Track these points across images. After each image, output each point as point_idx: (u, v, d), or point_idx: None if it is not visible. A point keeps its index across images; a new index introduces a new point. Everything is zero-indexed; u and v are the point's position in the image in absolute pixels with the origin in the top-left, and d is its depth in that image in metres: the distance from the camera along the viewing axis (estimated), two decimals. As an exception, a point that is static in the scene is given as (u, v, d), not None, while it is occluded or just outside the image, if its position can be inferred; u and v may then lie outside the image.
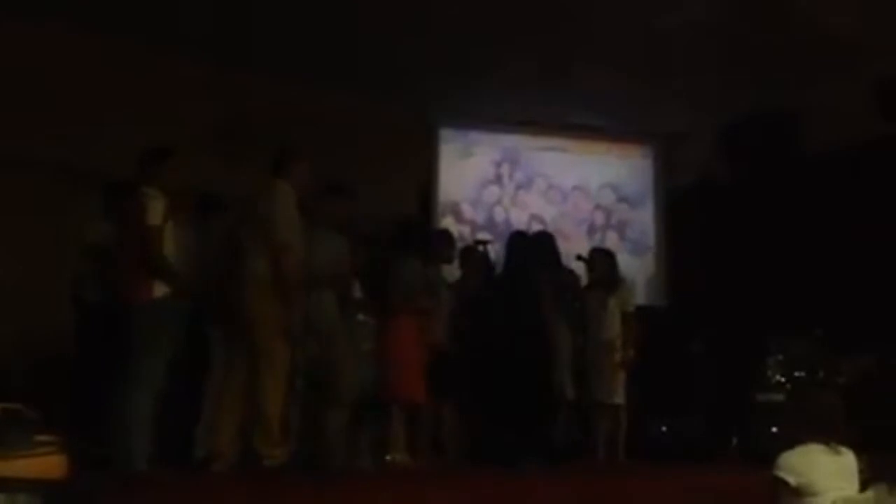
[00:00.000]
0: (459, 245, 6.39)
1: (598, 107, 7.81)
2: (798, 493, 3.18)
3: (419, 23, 6.52)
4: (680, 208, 8.42)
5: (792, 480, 3.18)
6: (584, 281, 6.45)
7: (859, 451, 3.32)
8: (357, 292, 5.31)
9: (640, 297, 6.97)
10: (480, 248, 6.35)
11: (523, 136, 8.49)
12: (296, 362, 4.66)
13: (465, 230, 7.88)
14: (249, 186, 4.87)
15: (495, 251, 6.38)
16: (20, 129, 6.04)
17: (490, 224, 8.14)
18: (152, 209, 4.26)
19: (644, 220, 8.61)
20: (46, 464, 3.52)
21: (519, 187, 8.42)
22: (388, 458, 5.00)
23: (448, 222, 7.88)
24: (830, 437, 3.28)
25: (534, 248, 5.79)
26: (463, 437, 5.81)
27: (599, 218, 8.50)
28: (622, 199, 8.61)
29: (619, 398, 5.97)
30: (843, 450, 3.29)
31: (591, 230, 8.39)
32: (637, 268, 8.14)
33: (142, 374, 4.17)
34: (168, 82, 6.86)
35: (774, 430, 5.80)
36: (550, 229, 7.00)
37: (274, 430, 4.44)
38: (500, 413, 5.44)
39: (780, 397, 6.19)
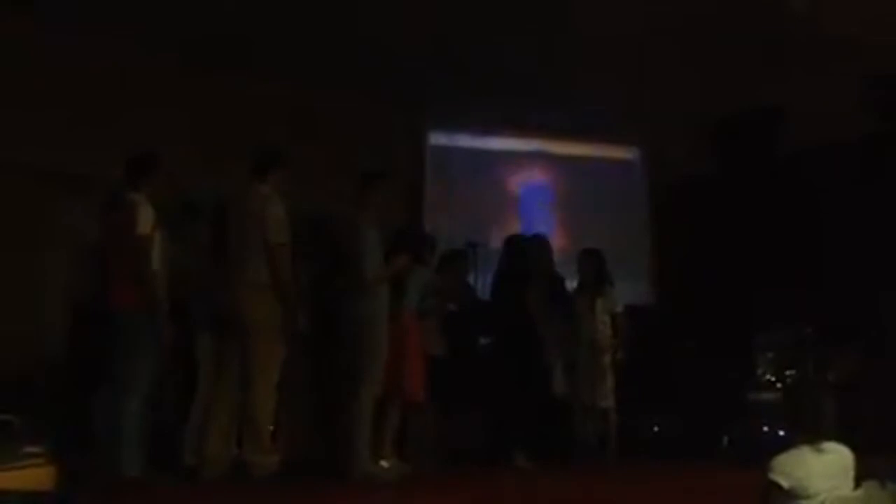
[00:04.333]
0: (447, 248, 6.41)
1: (584, 108, 7.80)
2: (792, 495, 3.16)
3: (407, 25, 6.51)
4: (667, 207, 8.44)
5: (785, 483, 3.16)
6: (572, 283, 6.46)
7: (851, 448, 3.31)
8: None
9: (629, 297, 6.97)
10: (471, 250, 6.37)
11: (512, 139, 8.51)
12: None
13: (453, 233, 7.85)
14: (232, 189, 4.87)
15: (486, 254, 6.40)
16: (2, 133, 5.98)
17: (479, 227, 8.11)
18: (142, 218, 4.24)
19: (632, 220, 8.64)
20: (35, 475, 3.50)
21: (506, 189, 8.43)
22: (382, 463, 4.97)
23: (436, 225, 7.85)
24: (822, 435, 3.26)
25: (524, 253, 5.90)
26: (454, 439, 5.82)
27: (588, 219, 8.51)
28: (610, 199, 8.64)
29: (608, 401, 5.96)
30: (837, 447, 3.27)
31: (580, 231, 8.39)
32: (626, 268, 8.13)
33: (130, 381, 4.17)
34: (156, 85, 6.80)
35: (766, 428, 5.83)
36: (540, 230, 7.02)
37: (265, 438, 4.44)
38: (493, 413, 5.60)
39: (770, 396, 6.20)
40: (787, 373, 6.27)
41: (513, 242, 6.03)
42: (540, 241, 6.15)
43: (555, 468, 5.66)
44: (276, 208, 4.59)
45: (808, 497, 3.16)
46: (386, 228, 5.15)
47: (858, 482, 3.21)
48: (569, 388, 6.00)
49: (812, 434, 3.25)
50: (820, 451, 3.22)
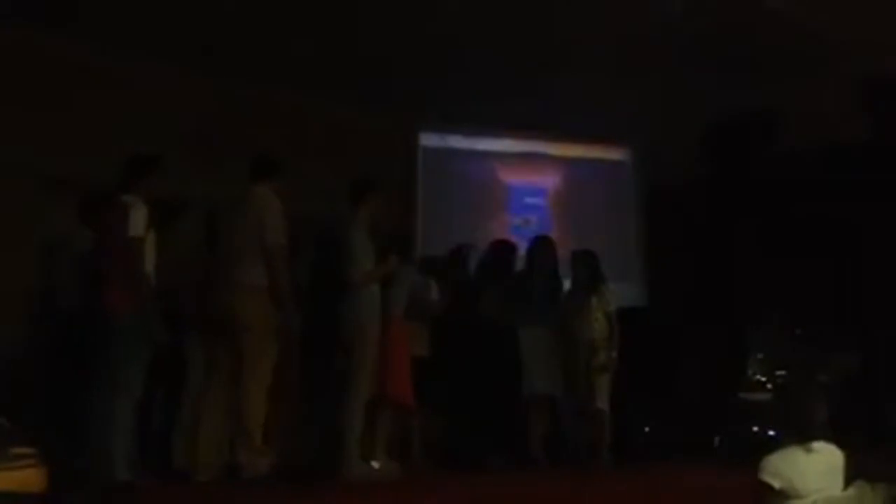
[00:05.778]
0: (435, 250, 6.46)
1: (576, 109, 7.82)
2: (783, 495, 3.19)
3: (398, 27, 6.51)
4: (659, 209, 8.48)
5: (776, 484, 3.18)
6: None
7: (842, 448, 3.35)
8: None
9: (621, 297, 7.01)
10: (463, 251, 6.39)
11: (504, 140, 8.52)
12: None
13: (444, 234, 7.83)
14: (228, 191, 4.86)
15: (478, 256, 6.43)
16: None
17: (470, 228, 8.10)
18: (135, 219, 4.21)
19: (625, 220, 8.68)
20: (25, 476, 3.48)
21: (498, 190, 8.45)
22: (374, 464, 4.97)
23: (428, 227, 7.86)
24: (813, 436, 3.29)
25: (488, 259, 6.15)
26: (438, 441, 5.84)
27: (580, 219, 8.53)
28: (603, 200, 8.67)
29: (602, 402, 5.96)
30: (828, 448, 3.28)
31: (574, 231, 8.40)
32: (618, 269, 8.17)
33: (124, 384, 4.13)
34: (146, 89, 6.78)
35: (755, 429, 5.88)
36: (534, 232, 7.07)
37: (257, 439, 4.42)
38: (467, 415, 5.65)
39: (762, 396, 6.26)
40: (778, 373, 6.34)
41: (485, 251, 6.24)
42: (501, 248, 6.32)
43: (546, 469, 5.72)
44: (275, 210, 4.60)
45: (798, 497, 3.17)
46: (378, 231, 5.16)
47: (848, 482, 3.24)
48: (560, 387, 6.02)
49: (803, 434, 3.27)
50: (811, 451, 3.23)
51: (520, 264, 6.43)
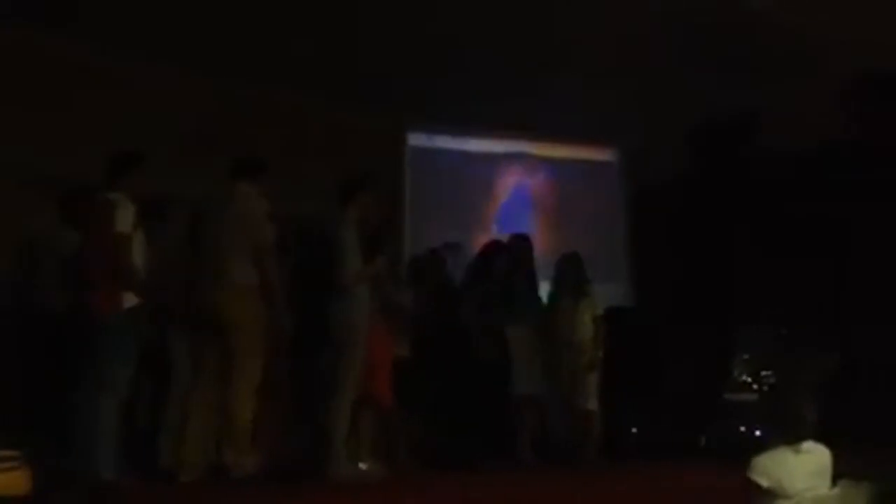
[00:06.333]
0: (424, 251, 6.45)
1: (564, 110, 7.80)
2: (771, 494, 3.17)
3: (387, 26, 6.50)
4: (647, 209, 8.45)
5: (764, 482, 3.17)
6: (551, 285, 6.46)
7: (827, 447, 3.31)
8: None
9: (608, 298, 6.98)
10: (450, 250, 6.38)
11: (492, 140, 8.51)
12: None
13: (434, 234, 7.81)
14: (214, 190, 4.85)
15: (464, 255, 6.42)
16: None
17: (460, 227, 8.08)
18: (121, 217, 4.20)
19: (612, 221, 8.64)
20: (8, 479, 3.47)
21: (486, 191, 8.42)
22: (361, 465, 4.95)
23: (416, 226, 7.83)
24: (801, 436, 3.26)
25: (479, 261, 6.15)
26: (425, 442, 5.81)
27: (567, 220, 8.50)
28: (589, 200, 8.63)
29: (592, 403, 5.94)
30: (816, 447, 3.27)
31: (560, 232, 8.39)
32: (605, 269, 8.14)
33: (110, 383, 4.11)
34: (146, 89, 6.82)
35: (742, 429, 5.86)
36: (520, 231, 7.05)
37: (245, 440, 4.40)
38: (455, 416, 5.63)
39: (747, 396, 6.25)
40: (763, 374, 6.32)
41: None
42: (488, 248, 6.28)
43: (535, 469, 5.69)
44: (261, 208, 4.59)
45: (786, 497, 3.17)
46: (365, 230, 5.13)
47: (834, 481, 3.21)
48: (544, 388, 5.99)
49: (792, 434, 3.25)
50: (799, 451, 3.23)
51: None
